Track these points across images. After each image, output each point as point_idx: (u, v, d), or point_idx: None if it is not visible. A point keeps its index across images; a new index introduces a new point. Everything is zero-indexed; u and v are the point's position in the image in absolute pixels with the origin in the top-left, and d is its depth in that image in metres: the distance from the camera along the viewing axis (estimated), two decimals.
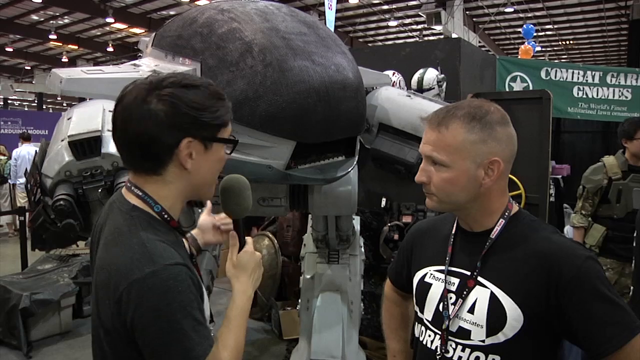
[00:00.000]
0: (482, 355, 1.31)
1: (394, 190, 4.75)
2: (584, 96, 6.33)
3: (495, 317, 1.28)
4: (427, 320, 1.44)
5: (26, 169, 2.14)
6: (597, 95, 6.32)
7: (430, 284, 1.45)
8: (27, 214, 6.13)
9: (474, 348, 1.32)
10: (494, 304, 1.29)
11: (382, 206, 4.82)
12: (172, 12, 17.11)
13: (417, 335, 1.50)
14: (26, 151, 9.60)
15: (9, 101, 30.44)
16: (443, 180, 1.31)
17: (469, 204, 1.35)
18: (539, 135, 4.55)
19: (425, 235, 1.57)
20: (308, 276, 3.42)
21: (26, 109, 31.90)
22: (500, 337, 1.28)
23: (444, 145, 1.30)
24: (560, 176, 6.21)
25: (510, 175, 4.43)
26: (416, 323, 1.51)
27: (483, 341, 1.30)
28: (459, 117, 1.30)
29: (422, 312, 1.46)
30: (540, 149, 4.55)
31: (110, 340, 1.17)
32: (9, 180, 9.95)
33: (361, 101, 2.09)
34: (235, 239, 1.40)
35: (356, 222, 3.55)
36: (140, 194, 1.22)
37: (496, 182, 1.33)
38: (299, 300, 3.50)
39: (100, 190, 1.75)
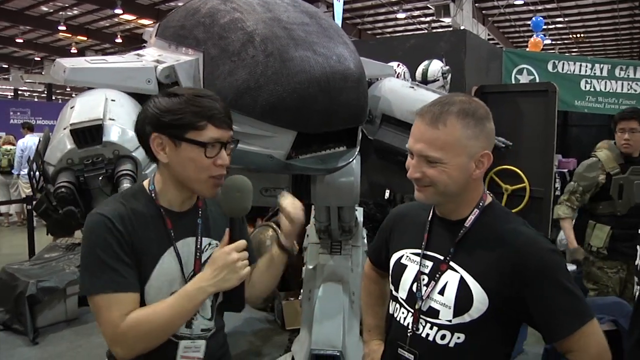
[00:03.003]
0: (448, 334, 1.41)
1: (398, 182, 4.76)
2: (592, 89, 6.27)
3: (463, 299, 1.39)
4: (402, 299, 1.53)
5: (29, 157, 2.17)
6: (606, 89, 6.27)
7: (406, 266, 1.54)
8: (34, 202, 6.18)
9: (441, 327, 1.42)
10: (463, 287, 1.40)
11: (386, 198, 4.84)
12: (180, 4, 17.08)
13: (391, 312, 1.59)
14: (32, 142, 9.58)
15: (19, 92, 30.60)
16: (438, 174, 1.37)
17: (457, 195, 1.43)
18: (545, 129, 4.54)
19: (404, 220, 1.65)
20: (310, 267, 3.44)
21: (36, 99, 32.05)
22: (465, 318, 1.39)
23: (440, 144, 1.35)
24: (566, 170, 6.19)
25: (514, 168, 4.44)
26: (391, 300, 1.61)
27: (450, 321, 1.41)
28: (454, 113, 1.36)
29: (397, 291, 1.56)
30: (545, 142, 4.54)
31: None
32: (13, 171, 9.95)
33: (362, 92, 2.09)
34: (227, 236, 1.46)
35: (359, 213, 3.56)
36: (152, 175, 1.54)
37: (481, 174, 1.43)
38: (302, 291, 3.52)
39: (100, 178, 1.77)
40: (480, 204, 1.46)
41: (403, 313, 1.51)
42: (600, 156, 3.76)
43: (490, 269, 1.37)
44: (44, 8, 18.47)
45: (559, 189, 5.74)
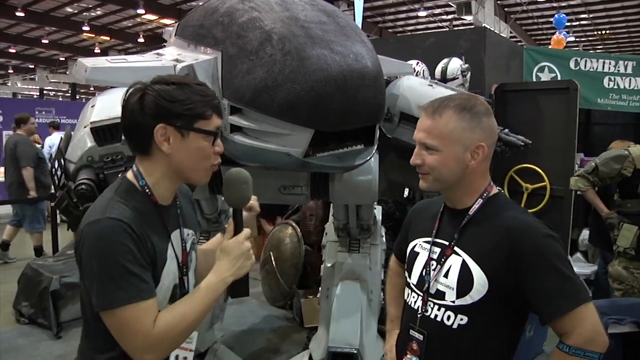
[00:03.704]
0: (452, 315, 1.51)
1: (417, 180, 4.72)
2: (615, 87, 6.14)
3: (464, 281, 1.49)
4: (413, 284, 1.66)
5: (51, 155, 2.21)
6: (630, 86, 6.14)
7: (418, 253, 1.67)
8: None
9: (446, 307, 1.52)
10: (464, 270, 1.50)
11: (405, 196, 4.82)
12: (201, 3, 17.18)
13: (405, 297, 1.71)
14: (59, 139, 9.78)
15: (45, 91, 31.18)
16: (435, 162, 1.51)
17: (456, 184, 1.55)
18: (566, 127, 4.48)
19: (420, 213, 1.81)
20: (329, 265, 3.45)
21: (60, 99, 32.59)
22: (467, 300, 1.48)
23: (437, 132, 1.50)
24: None
25: (535, 167, 4.43)
26: (406, 287, 1.72)
27: (453, 302, 1.51)
28: (451, 107, 1.51)
29: (410, 277, 1.68)
30: (566, 140, 4.48)
31: (82, 284, 1.38)
32: None
33: (380, 90, 2.09)
34: (232, 226, 1.51)
35: (377, 211, 3.56)
36: (134, 169, 1.46)
37: (480, 165, 1.53)
38: (320, 289, 3.53)
39: (120, 175, 1.80)
40: (485, 194, 1.57)
41: (414, 297, 1.64)
42: (633, 151, 3.75)
43: (490, 253, 1.47)
44: (69, 9, 18.80)
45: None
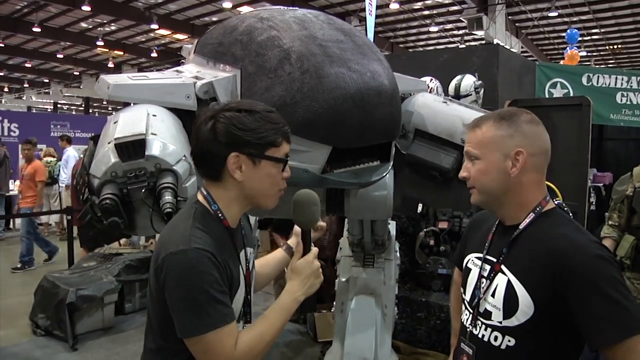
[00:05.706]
0: (499, 336, 1.47)
1: (431, 196, 4.75)
2: (628, 102, 6.15)
3: (510, 302, 1.44)
4: (467, 301, 1.63)
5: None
6: None
7: (470, 269, 1.65)
8: (74, 213, 6.38)
9: (494, 328, 1.48)
10: (509, 290, 1.45)
11: (419, 212, 4.83)
12: (214, 19, 17.43)
13: (462, 312, 1.69)
14: (73, 154, 9.97)
15: (58, 105, 31.57)
16: (477, 171, 1.53)
17: (503, 196, 1.52)
18: (578, 143, 4.47)
19: (476, 226, 1.78)
20: (343, 279, 3.47)
21: (74, 112, 32.96)
22: (513, 321, 1.43)
23: (476, 141, 1.54)
24: (602, 184, 6.07)
25: (548, 183, 4.36)
26: (462, 302, 1.69)
27: (500, 322, 1.46)
28: (491, 117, 1.55)
29: (464, 293, 1.66)
30: (579, 156, 4.48)
31: (154, 306, 1.43)
32: (62, 182, 10.23)
33: (396, 107, 2.12)
34: (301, 246, 1.56)
35: (392, 226, 3.57)
36: (205, 193, 1.50)
37: (527, 175, 1.49)
38: (334, 303, 3.54)
39: (143, 191, 1.82)
40: (537, 209, 1.50)
41: (466, 314, 1.62)
42: (635, 170, 3.79)
43: (535, 273, 1.41)
44: (84, 24, 19.09)
45: (594, 203, 5.64)
